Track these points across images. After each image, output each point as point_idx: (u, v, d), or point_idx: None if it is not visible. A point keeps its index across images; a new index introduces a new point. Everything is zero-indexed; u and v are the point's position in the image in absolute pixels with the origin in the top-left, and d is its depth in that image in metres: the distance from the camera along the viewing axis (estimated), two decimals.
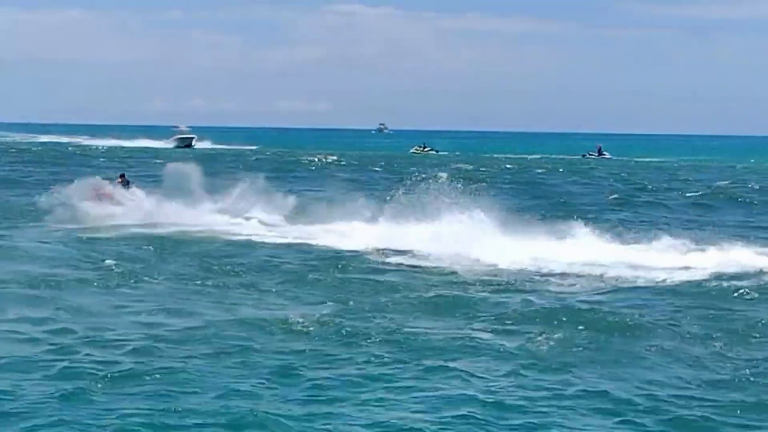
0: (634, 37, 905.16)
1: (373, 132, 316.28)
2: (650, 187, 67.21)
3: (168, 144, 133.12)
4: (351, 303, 21.95)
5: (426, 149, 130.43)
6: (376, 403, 14.48)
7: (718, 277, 25.81)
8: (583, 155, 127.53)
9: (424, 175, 39.60)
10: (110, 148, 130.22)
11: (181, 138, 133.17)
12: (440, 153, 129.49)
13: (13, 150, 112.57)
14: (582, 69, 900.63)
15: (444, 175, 69.59)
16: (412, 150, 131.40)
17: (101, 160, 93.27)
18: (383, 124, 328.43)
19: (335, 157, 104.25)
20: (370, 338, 18.36)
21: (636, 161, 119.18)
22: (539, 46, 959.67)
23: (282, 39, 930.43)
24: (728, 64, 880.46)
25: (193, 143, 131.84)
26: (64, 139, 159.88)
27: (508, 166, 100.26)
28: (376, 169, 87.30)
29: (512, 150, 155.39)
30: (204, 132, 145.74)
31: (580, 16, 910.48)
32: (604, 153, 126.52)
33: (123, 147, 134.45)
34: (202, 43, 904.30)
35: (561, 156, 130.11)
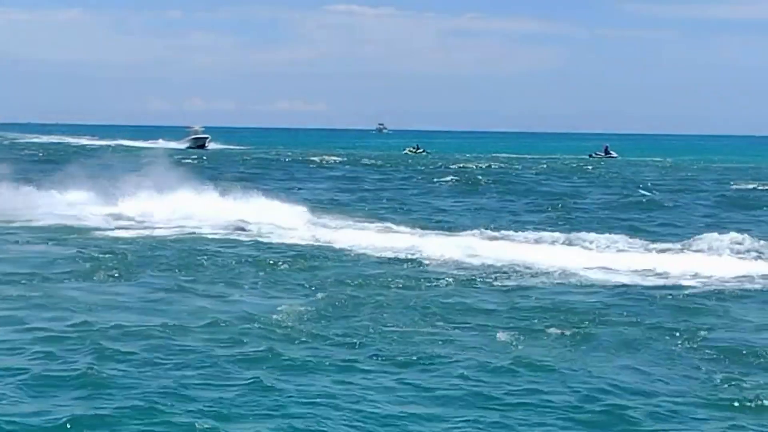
0: (634, 37, 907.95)
1: (373, 132, 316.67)
2: (653, 186, 66.86)
3: (182, 144, 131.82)
4: (320, 296, 21.78)
5: (419, 150, 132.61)
6: (335, 401, 13.98)
7: (693, 279, 25.35)
8: (590, 155, 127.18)
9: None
10: (115, 148, 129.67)
11: (195, 138, 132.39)
12: (437, 153, 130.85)
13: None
14: (582, 69, 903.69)
15: (450, 177, 70.52)
16: (406, 151, 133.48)
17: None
18: (382, 124, 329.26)
19: (333, 157, 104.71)
20: (336, 335, 17.98)
21: (640, 161, 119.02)
22: (539, 46, 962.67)
23: (282, 39, 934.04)
24: (728, 64, 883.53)
25: (207, 144, 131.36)
26: (69, 140, 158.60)
27: (503, 165, 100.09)
28: (371, 169, 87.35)
29: (514, 150, 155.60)
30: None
31: (580, 16, 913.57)
32: (611, 152, 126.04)
33: (132, 147, 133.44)
34: (202, 43, 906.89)
35: (565, 156, 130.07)
